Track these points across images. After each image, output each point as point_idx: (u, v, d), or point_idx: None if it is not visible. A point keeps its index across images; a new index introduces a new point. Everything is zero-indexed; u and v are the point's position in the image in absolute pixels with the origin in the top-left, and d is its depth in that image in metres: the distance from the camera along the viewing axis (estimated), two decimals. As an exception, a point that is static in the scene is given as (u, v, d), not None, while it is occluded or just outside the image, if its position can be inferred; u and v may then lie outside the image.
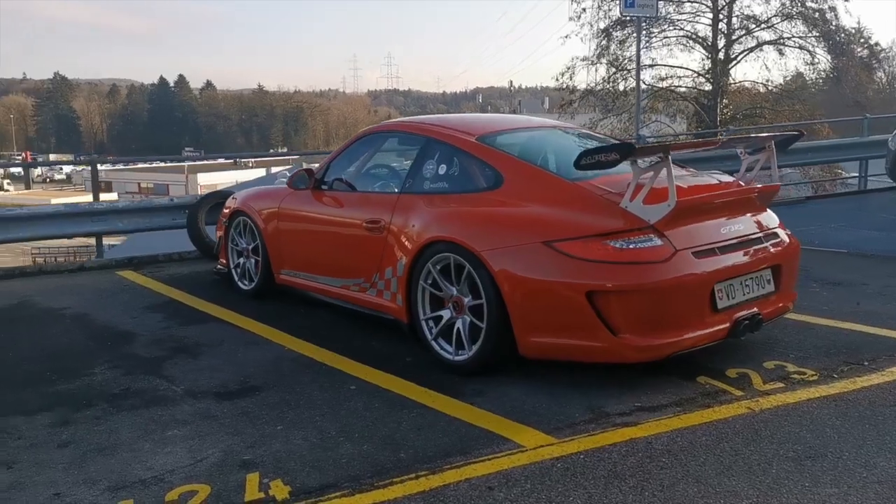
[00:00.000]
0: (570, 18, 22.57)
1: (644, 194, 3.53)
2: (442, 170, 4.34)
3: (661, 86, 22.62)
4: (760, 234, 3.95)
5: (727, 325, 3.63)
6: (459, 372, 3.86)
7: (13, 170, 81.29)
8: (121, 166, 60.08)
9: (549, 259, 3.53)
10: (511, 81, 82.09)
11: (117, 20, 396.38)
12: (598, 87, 22.33)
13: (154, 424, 3.39)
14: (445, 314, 3.96)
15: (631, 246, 3.47)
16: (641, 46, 21.02)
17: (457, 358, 3.88)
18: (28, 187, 73.69)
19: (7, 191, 68.92)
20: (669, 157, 3.47)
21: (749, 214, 4.00)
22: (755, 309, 3.77)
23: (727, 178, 4.22)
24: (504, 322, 3.65)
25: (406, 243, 4.16)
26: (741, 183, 4.11)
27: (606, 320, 3.42)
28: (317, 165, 5.35)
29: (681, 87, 22.96)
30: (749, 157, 4.22)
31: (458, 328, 3.88)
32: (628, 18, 18.77)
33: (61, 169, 77.35)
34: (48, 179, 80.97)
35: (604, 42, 21.90)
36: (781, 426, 3.19)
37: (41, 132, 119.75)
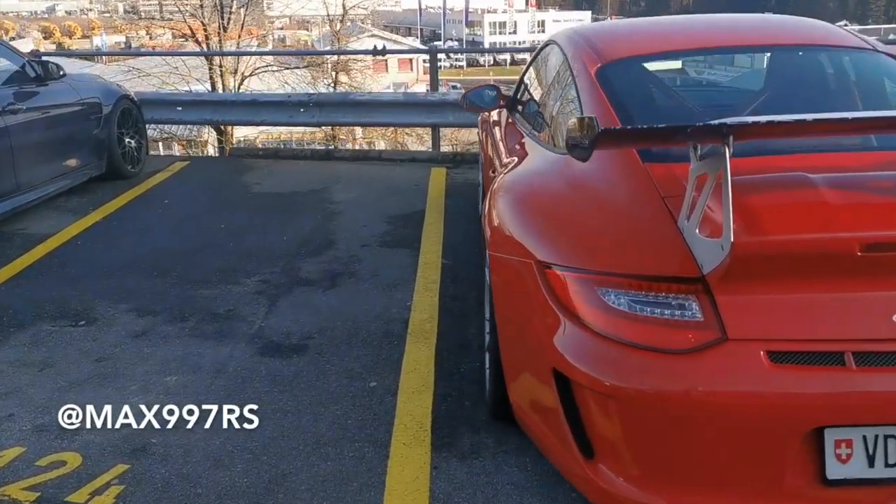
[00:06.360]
0: None
1: (699, 214, 1.79)
2: (555, 110, 2.93)
3: None
4: None
5: (867, 518, 1.72)
6: (489, 409, 2.75)
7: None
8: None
9: (535, 291, 2.11)
10: None
11: None
12: None
13: (171, 363, 3.27)
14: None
15: (643, 311, 1.83)
16: None
17: (487, 392, 2.77)
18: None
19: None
20: (727, 151, 1.65)
21: None
22: None
23: None
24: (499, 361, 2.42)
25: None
26: None
27: (581, 425, 1.95)
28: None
29: None
30: None
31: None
32: None
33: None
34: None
35: None
36: None
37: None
